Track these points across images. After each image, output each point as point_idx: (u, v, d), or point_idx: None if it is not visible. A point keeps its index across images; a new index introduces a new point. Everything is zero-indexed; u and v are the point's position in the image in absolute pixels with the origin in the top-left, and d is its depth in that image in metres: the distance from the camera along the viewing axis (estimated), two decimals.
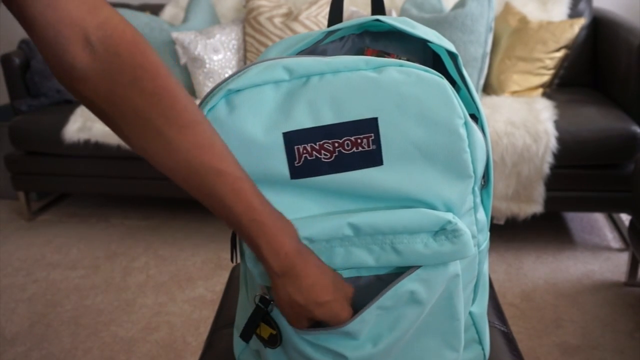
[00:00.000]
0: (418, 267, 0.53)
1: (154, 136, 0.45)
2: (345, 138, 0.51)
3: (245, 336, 0.56)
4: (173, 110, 0.44)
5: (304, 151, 0.51)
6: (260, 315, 0.55)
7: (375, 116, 0.50)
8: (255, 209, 0.48)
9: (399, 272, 0.54)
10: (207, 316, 1.63)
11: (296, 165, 0.52)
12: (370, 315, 0.53)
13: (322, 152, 0.51)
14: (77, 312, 1.69)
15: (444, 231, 0.52)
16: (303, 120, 0.51)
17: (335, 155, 0.51)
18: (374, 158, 0.51)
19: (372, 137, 0.51)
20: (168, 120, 0.44)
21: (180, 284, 1.81)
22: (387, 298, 0.53)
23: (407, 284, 0.52)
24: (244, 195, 0.48)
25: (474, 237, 0.58)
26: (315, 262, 0.52)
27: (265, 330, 0.57)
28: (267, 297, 0.55)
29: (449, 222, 0.51)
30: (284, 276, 0.50)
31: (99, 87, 0.43)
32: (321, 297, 0.51)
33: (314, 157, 0.51)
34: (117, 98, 0.43)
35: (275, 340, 0.56)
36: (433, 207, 0.53)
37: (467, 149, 0.52)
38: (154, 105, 0.44)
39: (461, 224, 0.52)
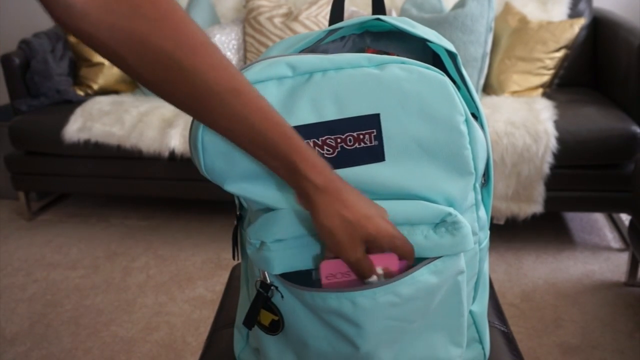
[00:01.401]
0: (436, 258, 0.53)
1: (166, 63, 0.42)
2: (348, 134, 0.51)
3: (248, 323, 0.56)
4: (181, 34, 0.43)
5: None
6: (261, 301, 0.55)
7: (377, 112, 0.51)
8: (283, 125, 0.46)
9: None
10: (207, 316, 1.63)
11: None
12: (382, 299, 0.52)
13: (325, 147, 0.52)
14: (77, 312, 1.69)
15: (444, 223, 0.52)
16: (306, 116, 0.51)
17: (338, 151, 0.52)
18: (376, 154, 0.52)
19: (374, 133, 0.51)
20: (178, 44, 0.42)
21: (180, 284, 1.81)
22: (404, 285, 0.52)
23: (424, 274, 0.52)
24: (268, 111, 0.46)
25: (475, 234, 0.58)
26: (346, 183, 0.50)
27: (266, 317, 0.56)
28: (267, 282, 0.55)
29: (449, 214, 0.52)
30: (326, 191, 0.48)
31: (100, 22, 0.41)
32: (367, 210, 0.49)
33: None
34: (120, 31, 0.41)
35: (276, 327, 0.56)
36: (434, 203, 0.53)
37: (468, 146, 0.52)
38: (160, 30, 0.42)
39: (461, 217, 0.52)
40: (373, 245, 0.51)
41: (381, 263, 0.53)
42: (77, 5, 0.40)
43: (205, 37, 0.44)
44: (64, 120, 2.09)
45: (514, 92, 2.02)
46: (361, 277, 0.52)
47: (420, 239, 0.52)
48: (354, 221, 0.48)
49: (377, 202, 0.52)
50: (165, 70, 0.43)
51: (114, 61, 0.43)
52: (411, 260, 0.53)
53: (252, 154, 0.48)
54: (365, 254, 0.51)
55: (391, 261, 0.53)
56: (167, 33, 0.42)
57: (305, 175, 0.47)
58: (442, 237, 0.52)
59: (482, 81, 2.03)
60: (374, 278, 0.53)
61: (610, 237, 1.96)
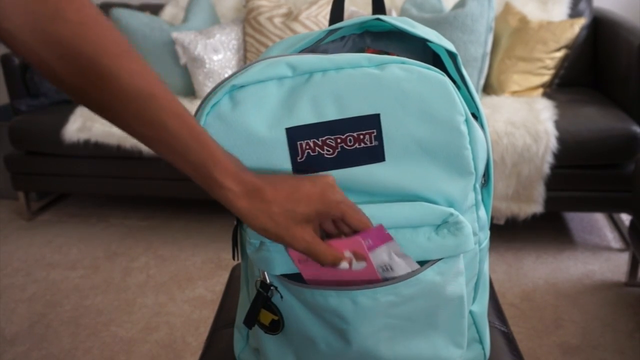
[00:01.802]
0: (439, 259, 0.53)
1: (89, 68, 0.43)
2: (348, 134, 0.51)
3: (248, 322, 0.56)
4: (104, 39, 0.43)
5: (307, 147, 0.52)
6: (261, 301, 0.55)
7: (377, 112, 0.51)
8: (199, 132, 0.47)
9: None
10: (207, 316, 1.63)
11: (299, 160, 0.52)
12: (384, 299, 0.52)
13: (325, 147, 0.52)
14: (77, 312, 1.69)
15: (446, 224, 0.52)
16: (306, 116, 0.51)
17: (338, 151, 0.52)
18: (376, 154, 0.52)
19: (375, 133, 0.51)
20: (101, 49, 0.43)
21: (180, 284, 1.81)
22: (407, 285, 0.52)
23: (428, 275, 0.53)
24: (185, 118, 0.46)
25: (475, 234, 0.58)
26: (263, 176, 0.49)
27: (266, 317, 0.56)
28: (267, 282, 0.55)
29: (451, 214, 0.52)
30: (245, 195, 0.48)
31: (23, 23, 0.41)
32: (293, 192, 0.49)
33: (316, 153, 0.52)
34: (42, 33, 0.41)
35: (277, 327, 0.56)
36: (435, 203, 0.53)
37: (468, 146, 0.52)
38: (84, 34, 0.42)
39: (462, 217, 0.52)
40: (322, 221, 0.51)
41: (346, 247, 0.52)
42: (1, 6, 0.40)
43: (127, 45, 0.45)
44: (64, 120, 2.10)
45: (514, 92, 2.02)
46: (327, 265, 0.51)
47: (423, 241, 0.52)
48: (281, 212, 0.48)
49: (378, 205, 0.52)
50: (87, 75, 0.43)
51: (36, 64, 0.43)
52: (364, 228, 0.51)
53: (170, 161, 0.48)
54: (314, 238, 0.50)
55: (356, 244, 0.52)
56: (91, 38, 0.42)
57: (222, 184, 0.47)
58: (445, 238, 0.52)
59: (482, 81, 2.03)
60: (344, 265, 0.51)
61: (611, 237, 1.96)
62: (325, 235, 0.53)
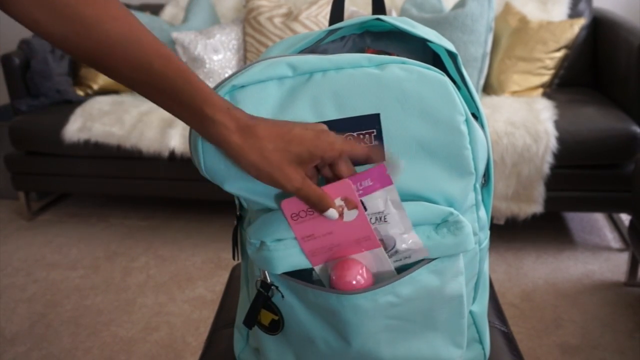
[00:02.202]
0: (434, 258, 0.53)
1: (68, 15, 0.44)
2: (348, 134, 0.51)
3: (248, 322, 0.56)
4: None
5: None
6: (262, 301, 0.55)
7: (377, 112, 0.51)
8: (186, 71, 0.47)
9: (404, 267, 0.54)
10: (207, 316, 1.63)
11: None
12: (383, 300, 0.52)
13: None
14: (77, 312, 1.69)
15: (446, 223, 0.52)
16: (306, 116, 0.51)
17: None
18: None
19: (374, 133, 0.51)
20: None
21: (180, 284, 1.81)
22: (404, 285, 0.52)
23: (423, 274, 0.53)
24: (170, 58, 0.47)
25: (475, 234, 0.58)
26: (255, 117, 0.49)
27: (266, 317, 0.56)
28: (268, 281, 0.55)
29: (451, 214, 0.52)
30: (238, 130, 0.47)
31: None
32: (286, 131, 0.48)
33: None
34: None
35: (276, 327, 0.56)
36: (435, 203, 0.53)
37: (468, 146, 0.52)
38: None
39: (462, 217, 0.52)
40: (319, 164, 0.49)
41: (337, 193, 0.51)
42: None
43: None
44: (64, 120, 2.10)
45: (514, 92, 2.02)
46: (319, 210, 0.50)
47: (423, 240, 0.52)
48: (273, 149, 0.47)
49: None
50: (68, 22, 0.44)
51: (18, 15, 0.44)
52: (373, 160, 0.50)
53: (160, 105, 0.48)
54: (306, 180, 0.49)
55: (347, 189, 0.50)
56: None
57: (213, 118, 0.47)
58: (444, 237, 0.52)
59: (482, 81, 2.03)
60: (332, 213, 0.50)
61: (610, 237, 1.96)
62: (325, 182, 0.53)
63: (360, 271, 0.52)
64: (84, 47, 0.45)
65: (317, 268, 0.54)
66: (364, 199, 0.51)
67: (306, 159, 0.48)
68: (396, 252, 0.53)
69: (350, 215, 0.51)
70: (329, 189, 0.50)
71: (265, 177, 0.48)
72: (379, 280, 0.54)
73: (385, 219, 0.51)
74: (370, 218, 0.51)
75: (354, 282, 0.52)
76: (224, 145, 0.48)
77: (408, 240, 0.52)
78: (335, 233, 0.52)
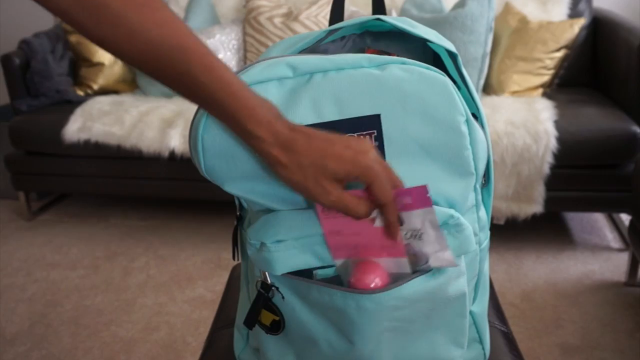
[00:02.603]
0: None
1: (113, 21, 0.44)
2: (348, 134, 0.51)
3: (249, 323, 0.56)
4: None
5: None
6: (262, 302, 0.55)
7: (377, 113, 0.51)
8: (232, 83, 0.47)
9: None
10: (207, 316, 1.63)
11: None
12: (387, 303, 0.52)
13: None
14: (77, 312, 1.69)
15: (447, 225, 0.52)
16: (306, 116, 0.51)
17: None
18: None
19: (375, 134, 0.51)
20: (124, 2, 0.44)
21: (180, 284, 1.81)
22: (408, 288, 0.52)
23: (426, 276, 0.53)
24: (217, 70, 0.46)
25: (475, 235, 0.58)
26: (299, 127, 0.48)
27: (267, 317, 0.56)
28: (268, 282, 0.55)
29: (452, 216, 0.52)
30: (277, 145, 0.47)
31: None
32: (326, 147, 0.47)
33: None
34: None
35: (277, 327, 0.56)
36: (435, 204, 0.53)
37: (469, 146, 0.52)
38: None
39: (463, 219, 0.52)
40: (345, 180, 0.49)
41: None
42: None
43: None
44: (64, 120, 2.09)
45: (514, 92, 2.02)
46: (355, 217, 0.50)
47: None
48: (311, 164, 0.47)
49: None
50: (113, 27, 0.44)
51: (65, 18, 0.44)
52: (385, 200, 0.49)
53: (207, 111, 0.49)
54: (341, 194, 0.48)
55: None
56: None
57: (253, 134, 0.47)
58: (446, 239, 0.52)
59: (482, 81, 2.03)
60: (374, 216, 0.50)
61: (610, 237, 1.96)
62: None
63: (380, 275, 0.52)
64: (128, 51, 0.45)
65: (337, 262, 0.54)
66: (402, 214, 0.51)
67: (342, 177, 0.48)
68: (428, 264, 0.52)
69: (382, 221, 0.51)
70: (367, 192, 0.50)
71: (301, 189, 0.49)
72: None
73: (420, 237, 0.51)
74: (406, 233, 0.51)
75: (372, 285, 0.52)
76: (264, 157, 0.49)
77: (442, 259, 0.52)
78: (362, 234, 0.52)
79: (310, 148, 0.47)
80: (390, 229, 0.50)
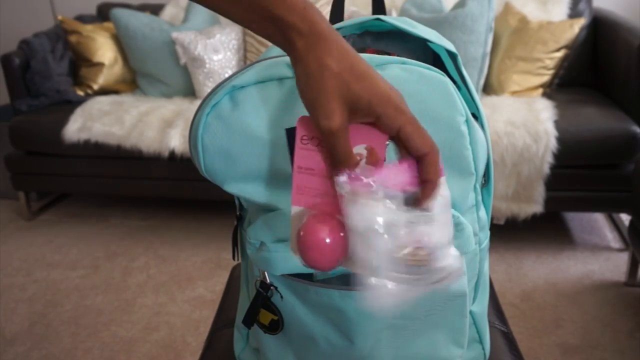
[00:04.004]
0: None
1: None
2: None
3: (247, 322, 0.56)
4: None
5: None
6: (261, 301, 0.55)
7: None
8: None
9: None
10: (207, 316, 1.63)
11: None
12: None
13: None
14: (77, 312, 1.69)
15: None
16: None
17: None
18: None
19: None
20: None
21: (180, 284, 1.81)
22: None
23: None
24: None
25: (475, 235, 0.58)
26: (337, 33, 0.41)
27: (266, 317, 0.56)
28: (267, 282, 0.55)
29: (452, 215, 0.51)
30: (310, 35, 0.40)
31: None
32: (359, 65, 0.40)
33: None
34: None
35: (276, 326, 0.56)
36: None
37: (469, 146, 0.52)
38: None
39: (462, 218, 0.52)
40: (361, 116, 0.41)
41: (363, 139, 0.42)
42: None
43: None
44: (64, 120, 2.10)
45: (514, 92, 2.02)
46: (333, 163, 0.41)
47: None
48: (334, 74, 0.40)
49: None
50: None
51: None
52: (423, 152, 0.40)
53: (225, 12, 0.43)
54: (346, 129, 0.40)
55: (377, 137, 0.41)
56: None
57: (284, 19, 0.41)
58: None
59: (482, 81, 2.03)
60: (342, 181, 0.40)
61: (610, 237, 1.96)
62: None
63: (337, 231, 0.42)
64: None
65: (293, 211, 0.45)
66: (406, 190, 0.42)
67: (362, 108, 0.40)
68: (429, 270, 0.42)
69: (363, 171, 0.42)
70: (355, 130, 0.42)
71: (307, 98, 0.41)
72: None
73: (431, 222, 0.41)
74: (412, 215, 0.42)
75: (328, 241, 0.42)
76: (287, 48, 0.42)
77: (448, 256, 0.42)
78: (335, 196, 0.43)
79: (345, 58, 0.40)
80: (428, 191, 0.41)
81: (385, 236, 0.40)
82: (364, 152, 0.42)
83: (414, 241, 0.41)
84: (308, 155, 0.44)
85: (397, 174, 0.42)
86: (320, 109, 0.40)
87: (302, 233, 0.43)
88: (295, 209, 0.45)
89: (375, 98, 0.40)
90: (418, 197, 0.42)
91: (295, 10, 0.40)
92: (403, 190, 0.42)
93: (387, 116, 0.40)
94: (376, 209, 0.41)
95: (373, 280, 0.42)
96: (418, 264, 0.41)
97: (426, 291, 0.42)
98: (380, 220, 0.40)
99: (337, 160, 0.41)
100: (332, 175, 0.42)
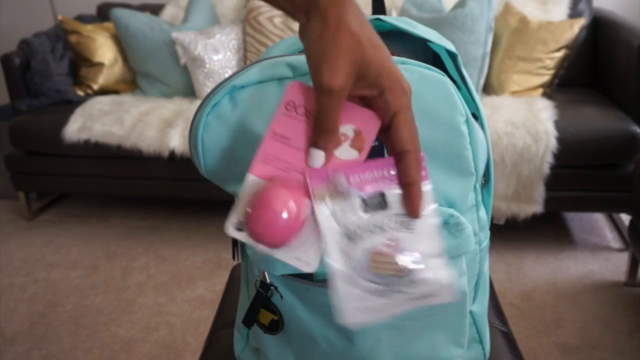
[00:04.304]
0: None
1: None
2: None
3: (247, 322, 0.56)
4: None
5: None
6: (261, 301, 0.55)
7: None
8: None
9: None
10: (207, 316, 1.63)
11: None
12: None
13: None
14: (77, 312, 1.69)
15: (447, 225, 0.52)
16: None
17: None
18: (376, 154, 0.52)
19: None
20: None
21: (180, 284, 1.81)
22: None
23: None
24: None
25: (475, 235, 0.58)
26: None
27: (266, 317, 0.56)
28: (267, 281, 0.55)
29: (451, 215, 0.52)
30: None
31: None
32: (377, 38, 0.39)
33: None
34: None
35: (276, 326, 0.56)
36: (435, 204, 0.53)
37: (469, 146, 0.52)
38: None
39: (463, 218, 0.52)
40: (366, 85, 0.39)
41: (351, 119, 0.39)
42: None
43: None
44: (64, 120, 2.10)
45: (514, 92, 2.02)
46: (316, 130, 0.38)
47: None
48: (352, 33, 0.38)
49: None
50: None
51: None
52: (404, 148, 0.38)
53: None
54: (345, 92, 0.38)
55: (368, 122, 0.39)
56: None
57: None
58: (445, 239, 0.52)
59: (482, 81, 2.03)
60: (317, 156, 0.37)
61: (610, 237, 1.96)
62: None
63: (292, 204, 0.38)
64: None
65: (249, 179, 0.40)
66: (388, 190, 0.39)
67: (370, 76, 0.38)
68: (411, 282, 0.38)
69: (344, 153, 0.39)
70: (349, 108, 0.39)
71: (315, 51, 0.38)
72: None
73: (412, 227, 0.38)
74: (391, 220, 0.38)
75: (285, 216, 0.37)
76: (311, 8, 0.39)
77: (433, 270, 0.37)
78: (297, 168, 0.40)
79: (363, 23, 0.39)
80: (411, 193, 0.39)
81: (346, 236, 0.37)
82: (351, 135, 0.39)
83: (379, 245, 0.37)
84: (289, 123, 0.40)
85: (378, 171, 0.39)
86: (327, 62, 0.37)
87: (261, 198, 0.38)
88: (253, 179, 0.40)
89: (386, 70, 0.38)
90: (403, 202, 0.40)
91: None
92: (381, 189, 0.39)
93: (391, 92, 0.39)
94: (344, 207, 0.38)
95: (341, 285, 0.38)
96: (388, 271, 0.37)
97: (410, 307, 0.37)
98: (345, 219, 0.37)
99: (321, 127, 0.39)
100: (310, 145, 0.39)
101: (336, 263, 0.37)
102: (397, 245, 0.37)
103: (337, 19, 0.38)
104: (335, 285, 0.38)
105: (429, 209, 0.38)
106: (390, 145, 0.40)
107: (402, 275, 0.37)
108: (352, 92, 0.39)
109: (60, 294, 1.79)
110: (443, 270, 0.37)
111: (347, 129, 0.39)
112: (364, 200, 0.38)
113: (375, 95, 0.39)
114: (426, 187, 0.39)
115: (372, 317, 0.37)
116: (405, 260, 0.37)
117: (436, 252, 0.38)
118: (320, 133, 0.39)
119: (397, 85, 0.39)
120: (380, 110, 0.40)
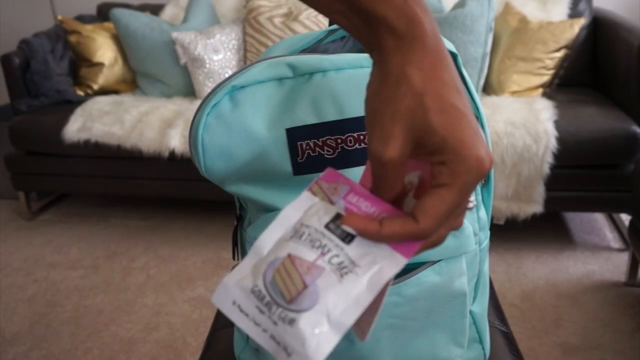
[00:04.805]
0: (438, 260, 0.53)
1: None
2: (348, 134, 0.51)
3: None
4: None
5: (307, 147, 0.51)
6: None
7: None
8: None
9: (405, 270, 0.54)
10: (207, 316, 1.63)
11: (299, 161, 0.52)
12: (387, 300, 0.52)
13: (325, 148, 0.52)
14: (77, 312, 1.69)
15: None
16: (306, 116, 0.51)
17: (338, 152, 0.52)
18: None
19: None
20: None
21: (180, 284, 1.81)
22: (409, 286, 0.52)
23: (428, 275, 0.53)
24: None
25: (475, 234, 0.58)
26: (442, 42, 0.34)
27: None
28: None
29: None
30: (404, 38, 0.32)
31: None
32: (453, 95, 0.32)
33: (316, 154, 0.51)
34: None
35: None
36: None
37: None
38: None
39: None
40: (426, 153, 0.33)
41: (420, 166, 0.35)
42: None
43: None
44: (64, 120, 2.10)
45: (514, 92, 2.02)
46: (374, 189, 0.34)
47: None
48: (416, 90, 0.32)
49: None
50: None
51: None
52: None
53: (325, 10, 0.36)
54: (401, 163, 0.32)
55: (429, 171, 0.34)
56: None
57: (379, 15, 0.33)
58: (446, 239, 0.52)
59: (482, 81, 2.03)
60: (351, 229, 0.32)
61: (610, 237, 1.96)
62: None
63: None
64: None
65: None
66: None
67: (430, 145, 0.32)
68: (282, 318, 0.32)
69: (408, 206, 0.35)
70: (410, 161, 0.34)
71: (370, 108, 0.34)
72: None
73: (345, 278, 0.32)
74: (337, 256, 0.33)
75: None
76: (373, 46, 0.34)
77: (313, 326, 0.31)
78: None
79: (435, 76, 0.32)
80: (365, 230, 0.34)
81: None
82: (416, 182, 0.35)
83: (304, 259, 0.33)
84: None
85: (375, 207, 0.34)
86: (378, 127, 0.32)
87: None
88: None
89: (454, 141, 0.31)
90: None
91: (392, 3, 0.33)
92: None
93: (450, 168, 0.32)
94: (318, 208, 0.35)
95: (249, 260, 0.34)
96: (281, 284, 0.32)
97: (262, 343, 0.32)
98: (308, 217, 0.35)
99: (379, 189, 0.34)
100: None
101: (267, 243, 0.35)
102: (315, 275, 0.32)
103: (398, 71, 0.32)
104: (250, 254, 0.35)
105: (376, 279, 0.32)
106: (411, 187, 0.35)
107: (287, 300, 0.32)
108: (412, 157, 0.34)
109: (60, 294, 1.79)
110: (321, 338, 0.31)
111: (412, 177, 0.35)
112: (336, 217, 0.34)
113: (433, 162, 0.33)
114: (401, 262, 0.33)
115: (245, 321, 0.33)
116: (304, 293, 0.31)
117: (337, 318, 0.31)
118: (376, 192, 0.35)
119: (462, 164, 0.31)
120: (434, 173, 0.33)
